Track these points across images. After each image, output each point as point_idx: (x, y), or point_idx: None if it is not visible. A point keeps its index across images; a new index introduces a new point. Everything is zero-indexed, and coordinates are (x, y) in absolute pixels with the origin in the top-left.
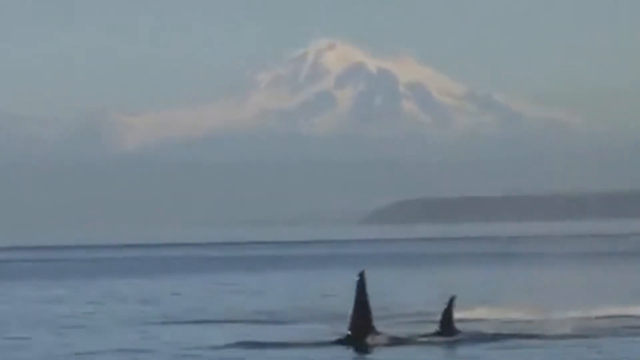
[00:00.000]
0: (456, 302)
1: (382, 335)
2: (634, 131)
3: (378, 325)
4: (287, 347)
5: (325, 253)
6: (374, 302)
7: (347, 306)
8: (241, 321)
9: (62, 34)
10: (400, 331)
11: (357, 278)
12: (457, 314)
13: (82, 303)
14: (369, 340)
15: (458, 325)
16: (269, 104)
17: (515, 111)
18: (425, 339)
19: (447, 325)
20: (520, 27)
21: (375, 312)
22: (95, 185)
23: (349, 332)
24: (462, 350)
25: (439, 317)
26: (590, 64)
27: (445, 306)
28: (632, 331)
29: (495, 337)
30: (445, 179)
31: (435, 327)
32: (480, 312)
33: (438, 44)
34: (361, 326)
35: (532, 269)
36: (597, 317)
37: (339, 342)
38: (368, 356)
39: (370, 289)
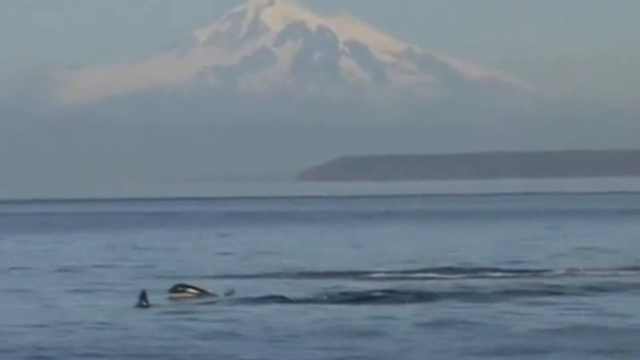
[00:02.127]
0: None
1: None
2: (570, 94)
3: None
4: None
5: (258, 210)
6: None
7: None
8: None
9: None
10: None
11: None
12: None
13: None
14: None
15: None
16: (208, 61)
17: (455, 70)
18: None
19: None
20: None
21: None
22: (32, 143)
23: None
24: None
25: None
26: (533, 27)
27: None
28: None
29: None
30: (383, 137)
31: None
32: None
33: (378, 2)
34: None
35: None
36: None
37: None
38: None
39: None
